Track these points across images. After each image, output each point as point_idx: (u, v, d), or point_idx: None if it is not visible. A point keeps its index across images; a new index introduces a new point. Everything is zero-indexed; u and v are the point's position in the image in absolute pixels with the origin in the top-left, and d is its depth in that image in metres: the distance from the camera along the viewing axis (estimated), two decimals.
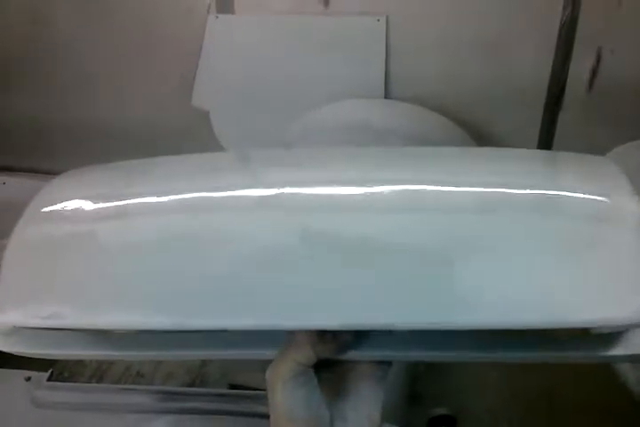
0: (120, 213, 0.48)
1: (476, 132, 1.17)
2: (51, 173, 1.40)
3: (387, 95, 1.21)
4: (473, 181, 0.48)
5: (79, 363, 0.89)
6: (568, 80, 1.13)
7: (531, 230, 0.44)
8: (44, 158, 1.40)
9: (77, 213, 0.49)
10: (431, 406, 0.87)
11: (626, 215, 0.43)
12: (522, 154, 0.55)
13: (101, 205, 0.49)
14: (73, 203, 0.50)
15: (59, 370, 0.88)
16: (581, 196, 0.45)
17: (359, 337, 0.46)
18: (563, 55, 1.11)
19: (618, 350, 0.44)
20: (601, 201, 0.45)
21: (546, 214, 0.44)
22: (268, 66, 1.24)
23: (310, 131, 1.12)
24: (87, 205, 0.49)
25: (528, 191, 0.46)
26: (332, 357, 0.46)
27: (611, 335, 0.44)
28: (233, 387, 0.87)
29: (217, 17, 1.24)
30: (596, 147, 0.83)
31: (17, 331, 0.49)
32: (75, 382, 0.87)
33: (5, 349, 0.49)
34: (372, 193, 0.47)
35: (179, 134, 1.29)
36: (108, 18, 1.27)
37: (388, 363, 0.49)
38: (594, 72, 1.11)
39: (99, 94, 1.34)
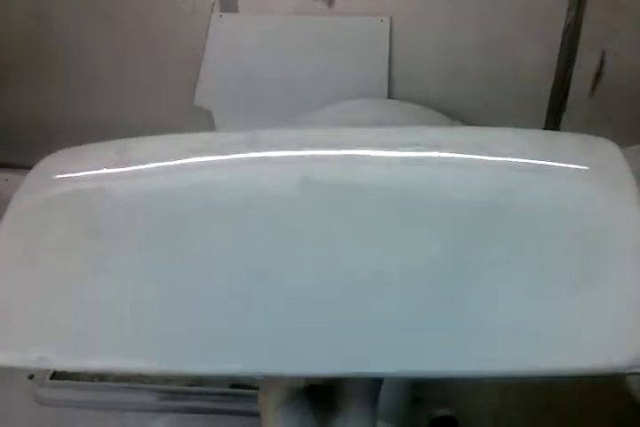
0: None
1: None
2: None
3: (390, 95, 1.21)
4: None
5: None
6: (571, 82, 1.13)
7: (526, 267, 0.43)
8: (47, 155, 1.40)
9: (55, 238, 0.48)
10: (433, 407, 0.87)
11: (630, 249, 0.42)
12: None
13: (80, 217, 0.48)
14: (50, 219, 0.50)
15: None
16: (583, 223, 0.44)
17: None
18: (566, 57, 1.11)
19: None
20: (605, 236, 0.44)
21: (543, 254, 0.43)
22: (272, 65, 1.24)
23: None
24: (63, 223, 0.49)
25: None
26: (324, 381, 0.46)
27: None
28: (235, 386, 0.87)
29: (221, 16, 1.24)
30: None
31: None
32: (77, 380, 0.88)
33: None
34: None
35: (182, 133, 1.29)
36: (112, 16, 1.26)
37: (379, 380, 0.49)
38: (597, 75, 1.11)
39: (101, 92, 1.34)
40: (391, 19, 1.17)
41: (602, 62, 1.10)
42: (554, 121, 1.17)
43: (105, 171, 0.51)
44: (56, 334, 0.44)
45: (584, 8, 1.07)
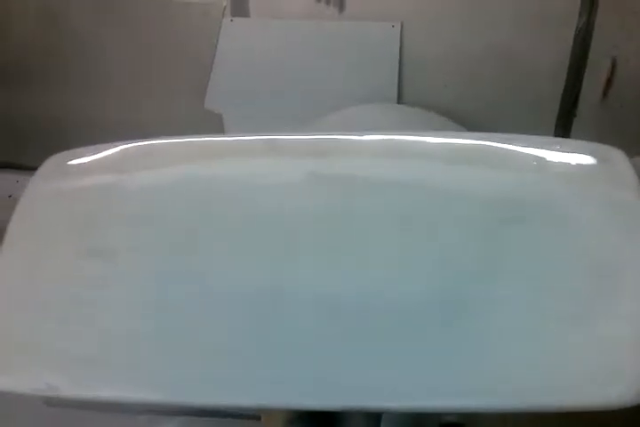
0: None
1: None
2: None
3: (399, 100, 1.21)
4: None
5: None
6: (582, 89, 1.13)
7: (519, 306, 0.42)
8: None
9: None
10: (441, 413, 0.86)
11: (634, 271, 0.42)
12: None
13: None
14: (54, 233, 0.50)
15: None
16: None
17: None
18: (577, 63, 1.11)
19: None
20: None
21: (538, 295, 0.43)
22: (282, 70, 1.24)
23: None
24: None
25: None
26: None
27: None
28: None
29: (232, 20, 1.25)
30: None
31: None
32: None
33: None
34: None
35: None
36: (124, 19, 1.27)
37: None
38: (609, 81, 1.11)
39: (113, 96, 1.35)
40: (402, 24, 1.17)
41: (613, 68, 1.10)
42: (564, 127, 1.16)
43: (116, 166, 0.51)
44: (65, 362, 0.44)
45: (595, 14, 1.07)
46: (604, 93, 1.12)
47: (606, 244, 0.43)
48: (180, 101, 1.32)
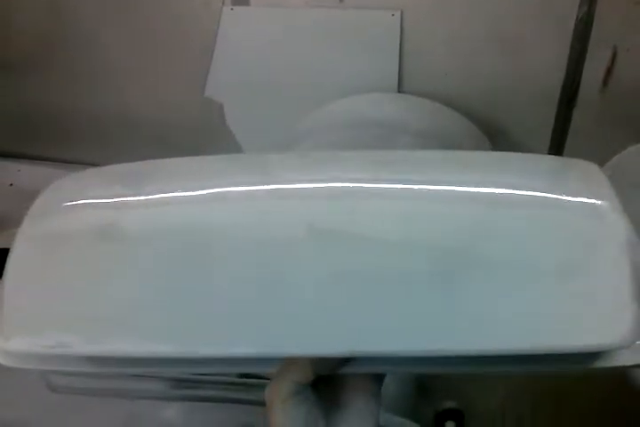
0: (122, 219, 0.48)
1: (488, 128, 1.17)
2: (65, 161, 1.41)
3: (400, 90, 1.21)
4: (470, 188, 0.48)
5: None
6: (582, 78, 1.13)
7: (518, 253, 0.44)
8: (59, 147, 1.42)
9: (78, 223, 0.49)
10: (439, 399, 0.88)
11: (611, 236, 0.44)
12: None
13: (102, 209, 0.49)
14: (74, 208, 0.50)
15: None
16: (566, 219, 0.45)
17: None
18: (577, 53, 1.11)
19: (601, 363, 0.45)
20: (586, 223, 0.45)
21: (533, 238, 0.45)
22: (283, 59, 1.24)
23: (321, 126, 1.13)
24: (89, 210, 0.50)
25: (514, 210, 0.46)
26: (331, 373, 0.47)
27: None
28: (244, 376, 0.88)
29: (232, 9, 1.24)
30: (609, 146, 0.83)
31: None
32: None
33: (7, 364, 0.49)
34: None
35: (193, 126, 1.30)
36: (124, 9, 1.27)
37: (382, 374, 0.50)
38: (609, 71, 1.11)
39: (112, 84, 1.35)
40: (402, 13, 1.17)
41: (613, 58, 1.10)
42: (564, 117, 1.17)
43: (114, 200, 0.50)
44: (75, 324, 0.45)
45: (596, 3, 1.06)
46: (605, 83, 1.13)
47: (582, 234, 0.45)
48: (181, 90, 1.32)
